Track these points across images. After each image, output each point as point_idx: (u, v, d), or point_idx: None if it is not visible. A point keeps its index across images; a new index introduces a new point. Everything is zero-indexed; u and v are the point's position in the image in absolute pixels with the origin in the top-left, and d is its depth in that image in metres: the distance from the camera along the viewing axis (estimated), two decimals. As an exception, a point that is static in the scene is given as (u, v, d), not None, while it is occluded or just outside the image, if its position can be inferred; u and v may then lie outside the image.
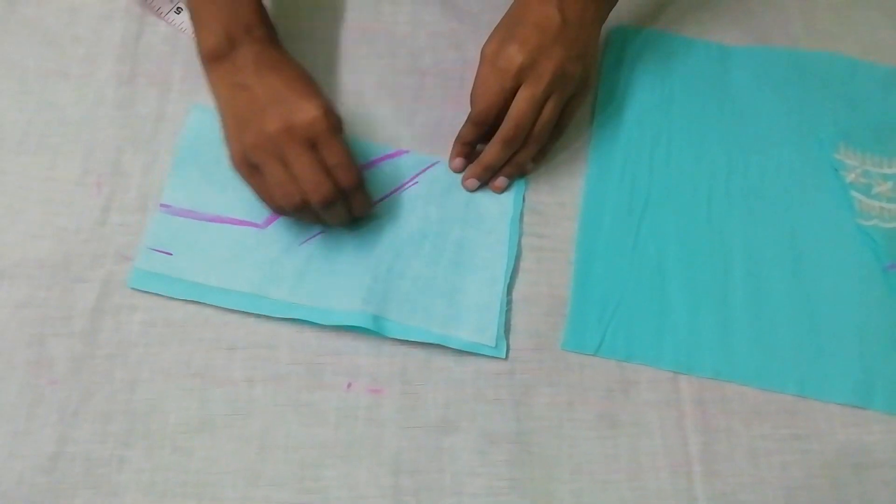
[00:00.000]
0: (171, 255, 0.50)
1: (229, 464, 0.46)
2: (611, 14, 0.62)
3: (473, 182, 0.54)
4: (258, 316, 0.49)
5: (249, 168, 0.46)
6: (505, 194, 0.54)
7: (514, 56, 0.49)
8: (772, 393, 0.50)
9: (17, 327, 0.48)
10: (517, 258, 0.52)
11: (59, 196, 0.52)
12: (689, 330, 0.51)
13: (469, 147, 0.54)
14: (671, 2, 0.63)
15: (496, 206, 0.54)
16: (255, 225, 0.51)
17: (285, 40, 0.58)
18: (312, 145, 0.45)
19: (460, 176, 0.55)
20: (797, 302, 0.52)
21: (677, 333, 0.51)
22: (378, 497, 0.46)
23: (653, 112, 0.58)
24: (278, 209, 0.47)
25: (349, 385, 0.48)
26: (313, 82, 0.48)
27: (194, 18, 0.49)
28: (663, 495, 0.47)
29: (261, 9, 0.50)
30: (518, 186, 0.55)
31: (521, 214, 0.54)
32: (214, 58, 0.48)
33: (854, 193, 0.56)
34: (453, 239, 0.52)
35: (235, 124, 0.47)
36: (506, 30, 0.50)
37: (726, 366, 0.50)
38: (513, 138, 0.50)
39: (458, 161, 0.54)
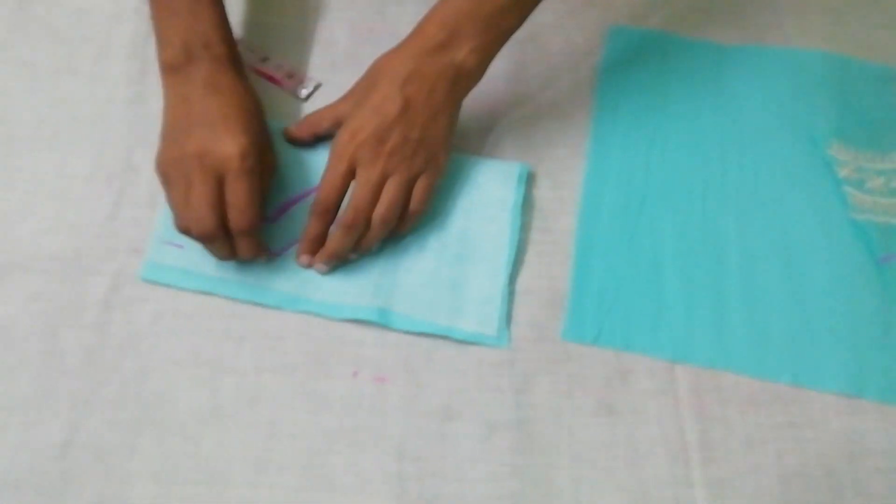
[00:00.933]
0: (182, 247, 0.50)
1: (238, 451, 0.46)
2: (608, 14, 0.63)
3: (322, 267, 0.51)
4: (266, 307, 0.50)
5: (163, 177, 0.47)
6: (506, 185, 0.54)
7: (347, 144, 0.48)
8: (767, 382, 0.50)
9: (30, 319, 0.49)
10: (518, 251, 0.53)
11: (71, 191, 0.53)
12: (686, 320, 0.52)
13: (317, 244, 0.50)
14: (667, 2, 0.65)
15: (497, 196, 0.54)
16: (263, 217, 0.52)
17: (290, 41, 0.59)
18: (219, 179, 0.46)
19: (460, 169, 0.54)
20: (791, 293, 0.53)
21: (674, 323, 0.51)
22: (382, 482, 0.46)
23: (649, 110, 0.59)
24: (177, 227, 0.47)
25: (355, 374, 0.49)
26: (254, 116, 0.48)
27: (156, 29, 0.50)
28: (661, 481, 0.47)
29: (222, 26, 0.51)
30: (520, 178, 0.55)
31: (523, 205, 0.54)
32: (171, 69, 0.49)
33: (847, 188, 0.56)
34: (457, 231, 0.53)
35: (168, 133, 0.48)
36: (351, 105, 0.50)
37: (721, 355, 0.51)
38: (352, 224, 0.48)
39: (305, 258, 0.51)
